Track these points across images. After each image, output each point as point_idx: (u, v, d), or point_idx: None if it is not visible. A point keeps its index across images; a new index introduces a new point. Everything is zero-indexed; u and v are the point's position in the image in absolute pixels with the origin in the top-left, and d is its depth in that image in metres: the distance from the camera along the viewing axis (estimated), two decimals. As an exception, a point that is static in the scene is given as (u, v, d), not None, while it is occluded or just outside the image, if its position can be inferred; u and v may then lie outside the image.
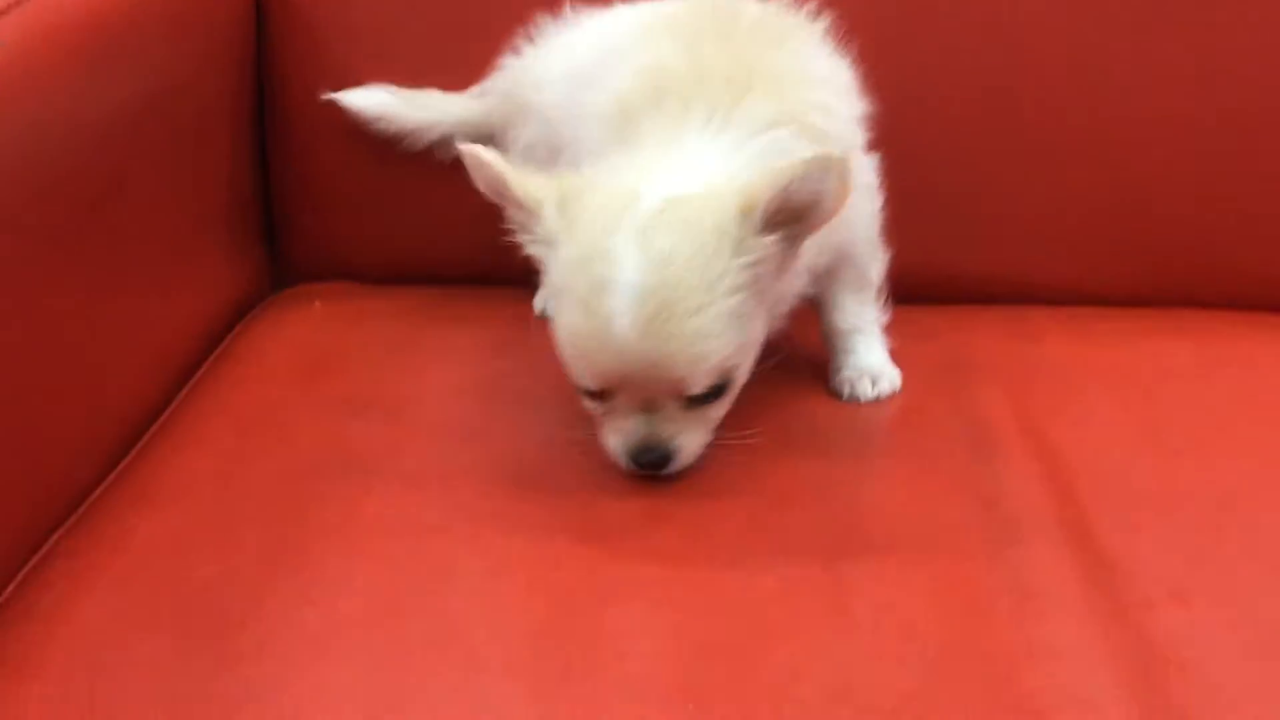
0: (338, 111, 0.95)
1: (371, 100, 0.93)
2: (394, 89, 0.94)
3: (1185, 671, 0.59)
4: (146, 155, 0.80)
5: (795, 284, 0.75)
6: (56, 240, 0.70)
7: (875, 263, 0.83)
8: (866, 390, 0.81)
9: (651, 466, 0.70)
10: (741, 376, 0.71)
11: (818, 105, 0.76)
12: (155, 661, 0.61)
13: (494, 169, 0.70)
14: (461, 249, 0.96)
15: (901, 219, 0.94)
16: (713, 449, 0.73)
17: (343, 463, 0.75)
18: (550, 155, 0.84)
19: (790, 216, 0.67)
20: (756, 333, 0.70)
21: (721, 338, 0.66)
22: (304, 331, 0.91)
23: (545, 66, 0.87)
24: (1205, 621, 0.62)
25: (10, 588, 0.67)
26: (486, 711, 0.57)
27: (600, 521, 0.69)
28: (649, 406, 0.69)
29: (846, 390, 0.82)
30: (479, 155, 0.70)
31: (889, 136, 0.91)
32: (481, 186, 0.72)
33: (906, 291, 0.94)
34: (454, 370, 0.85)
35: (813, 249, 0.72)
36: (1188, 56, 0.92)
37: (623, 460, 0.70)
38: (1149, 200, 0.94)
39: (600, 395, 0.69)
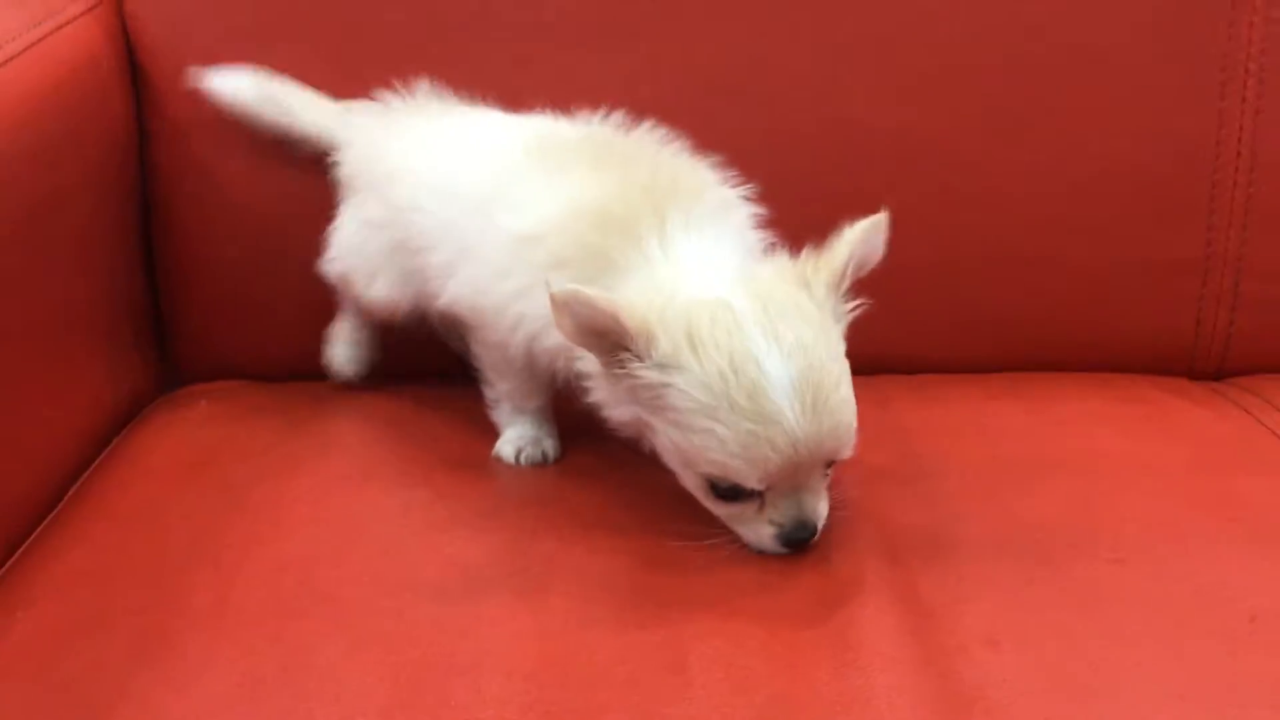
0: (224, 215, 1.00)
1: (236, 85, 0.97)
2: (263, 80, 0.98)
3: (991, 713, 0.63)
4: (29, 264, 0.84)
5: None
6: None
7: None
8: None
9: (804, 542, 0.74)
10: None
11: (732, 197, 0.84)
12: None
13: (603, 304, 0.70)
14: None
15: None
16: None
17: (215, 554, 0.78)
18: (390, 247, 0.90)
19: (855, 274, 0.76)
20: None
21: (852, 398, 0.73)
22: (189, 430, 0.95)
23: (401, 158, 0.91)
24: (1014, 664, 0.66)
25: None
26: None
27: (452, 596, 0.73)
28: (798, 487, 0.73)
29: None
30: (582, 295, 0.69)
31: None
32: (570, 326, 0.71)
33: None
34: (331, 461, 0.89)
35: None
36: (1018, 142, 0.99)
37: (776, 548, 0.74)
38: (989, 274, 1.01)
39: (749, 494, 0.73)
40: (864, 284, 0.98)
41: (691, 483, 0.75)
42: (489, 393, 0.91)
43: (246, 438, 0.93)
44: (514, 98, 0.94)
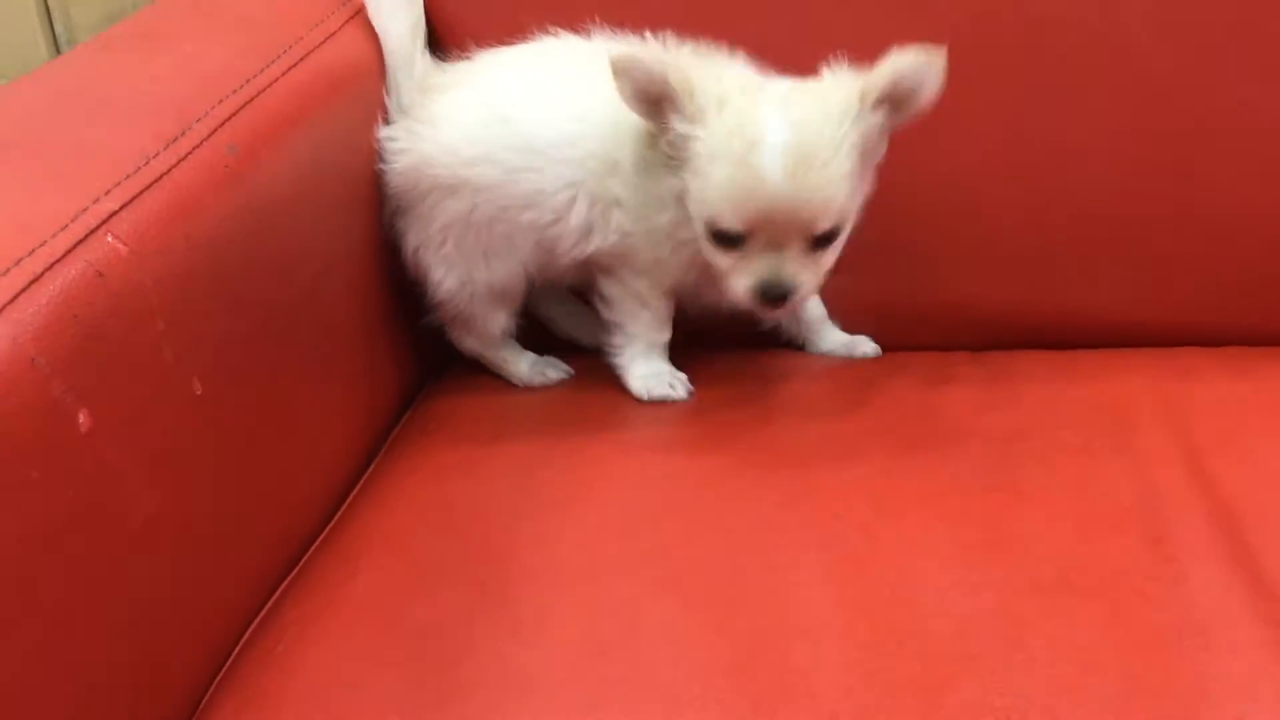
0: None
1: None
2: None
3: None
4: (348, 241, 0.89)
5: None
6: (284, 316, 0.78)
7: None
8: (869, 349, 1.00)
9: (778, 299, 0.84)
10: (848, 228, 0.85)
11: None
12: (386, 698, 0.67)
13: (655, 65, 0.81)
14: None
15: (1049, 264, 0.98)
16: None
17: (533, 512, 0.81)
18: (487, 223, 0.90)
19: (894, 100, 0.82)
20: (859, 193, 0.85)
21: (842, 187, 0.82)
22: (485, 394, 0.98)
23: (483, 135, 0.90)
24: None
25: (246, 634, 0.74)
26: (690, 745, 0.62)
27: (781, 563, 0.74)
28: (777, 248, 0.82)
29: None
30: (638, 57, 0.82)
31: (1031, 182, 0.96)
32: (631, 88, 0.82)
33: (1057, 337, 0.98)
34: (631, 423, 0.91)
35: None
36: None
37: (752, 295, 0.84)
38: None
39: (736, 242, 0.83)
40: (1162, 251, 0.97)
41: (700, 233, 0.85)
42: (616, 339, 0.94)
43: (544, 399, 0.96)
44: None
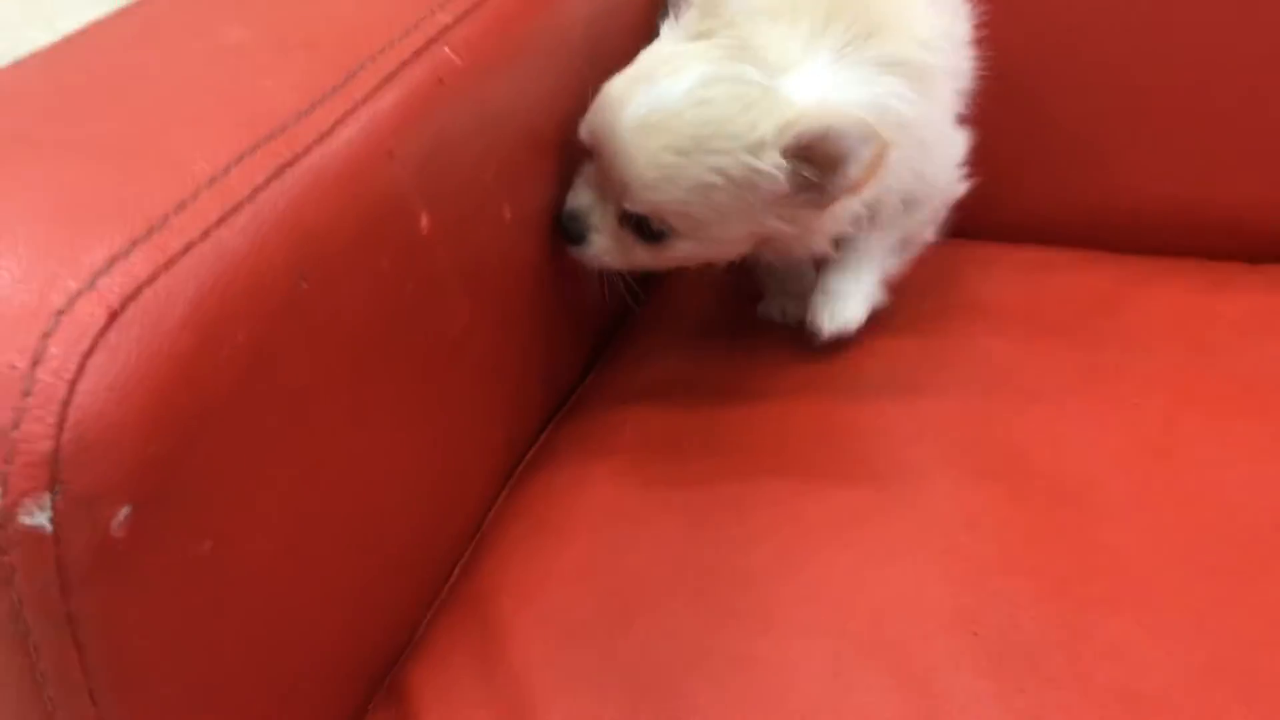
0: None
1: None
2: None
3: None
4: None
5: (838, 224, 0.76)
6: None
7: (929, 229, 0.84)
8: (825, 322, 0.80)
9: (565, 233, 0.74)
10: (683, 249, 0.73)
11: (934, 54, 0.78)
12: (670, 538, 0.67)
13: None
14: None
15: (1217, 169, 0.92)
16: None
17: (802, 386, 0.79)
18: None
19: (816, 161, 0.68)
20: (728, 232, 0.72)
21: (678, 188, 0.69)
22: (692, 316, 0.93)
23: None
24: None
25: (519, 469, 0.75)
26: (991, 607, 0.61)
27: (1075, 438, 0.71)
28: (602, 193, 0.73)
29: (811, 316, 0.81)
30: None
31: (1210, 91, 0.90)
32: None
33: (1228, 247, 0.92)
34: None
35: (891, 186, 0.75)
36: None
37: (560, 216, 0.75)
38: None
39: (589, 155, 0.74)
40: None
41: None
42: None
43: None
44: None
